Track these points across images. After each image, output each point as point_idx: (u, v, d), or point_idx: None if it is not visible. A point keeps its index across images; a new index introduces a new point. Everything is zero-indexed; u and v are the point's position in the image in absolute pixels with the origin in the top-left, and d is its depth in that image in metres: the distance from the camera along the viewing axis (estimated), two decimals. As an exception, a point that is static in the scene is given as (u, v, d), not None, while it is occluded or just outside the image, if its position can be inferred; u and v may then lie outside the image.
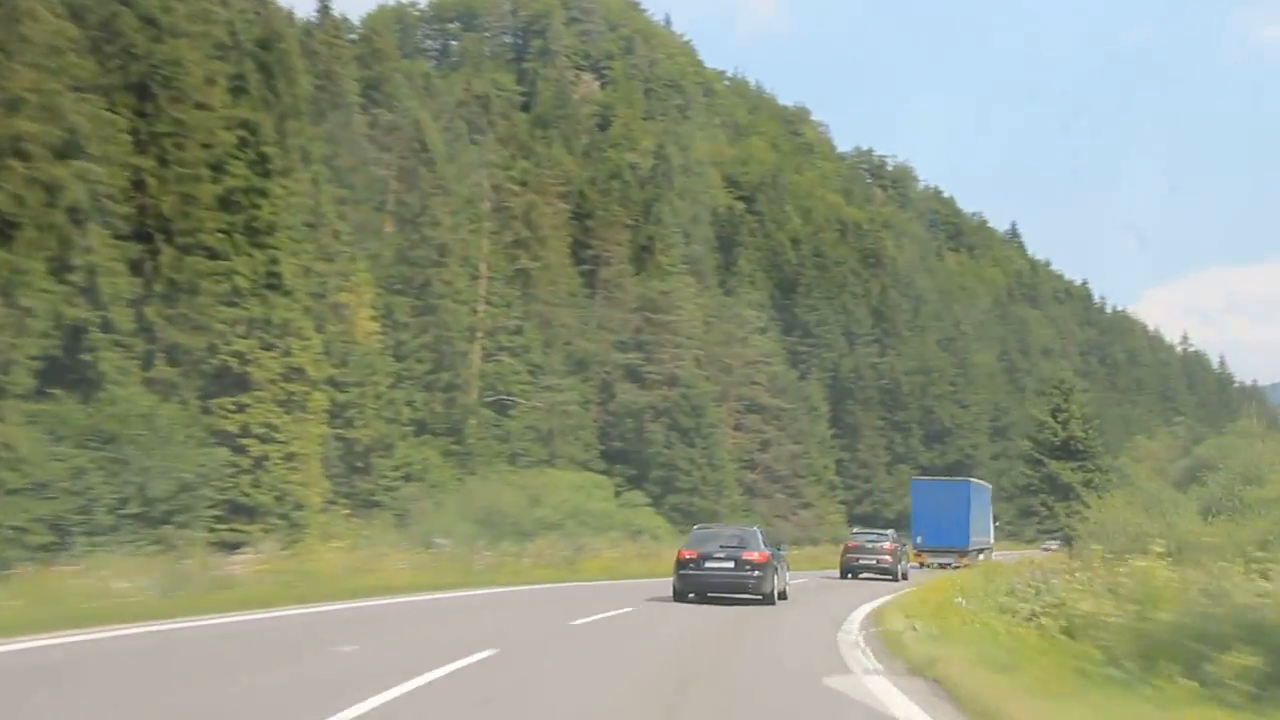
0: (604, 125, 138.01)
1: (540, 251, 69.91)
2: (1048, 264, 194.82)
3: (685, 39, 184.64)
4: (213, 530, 37.17)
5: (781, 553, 29.82)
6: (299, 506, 42.31)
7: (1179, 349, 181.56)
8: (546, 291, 70.53)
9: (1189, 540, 22.50)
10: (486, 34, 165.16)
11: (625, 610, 22.95)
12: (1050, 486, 41.65)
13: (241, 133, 43.48)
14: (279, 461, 41.76)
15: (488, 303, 63.48)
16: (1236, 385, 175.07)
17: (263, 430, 41.26)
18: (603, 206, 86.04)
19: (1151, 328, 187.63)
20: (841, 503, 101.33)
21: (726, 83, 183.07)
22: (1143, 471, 74.77)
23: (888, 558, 43.93)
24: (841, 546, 48.28)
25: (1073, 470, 41.53)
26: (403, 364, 55.85)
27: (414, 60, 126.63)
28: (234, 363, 41.00)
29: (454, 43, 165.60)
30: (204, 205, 41.35)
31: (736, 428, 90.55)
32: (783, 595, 27.40)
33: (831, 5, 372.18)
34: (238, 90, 45.50)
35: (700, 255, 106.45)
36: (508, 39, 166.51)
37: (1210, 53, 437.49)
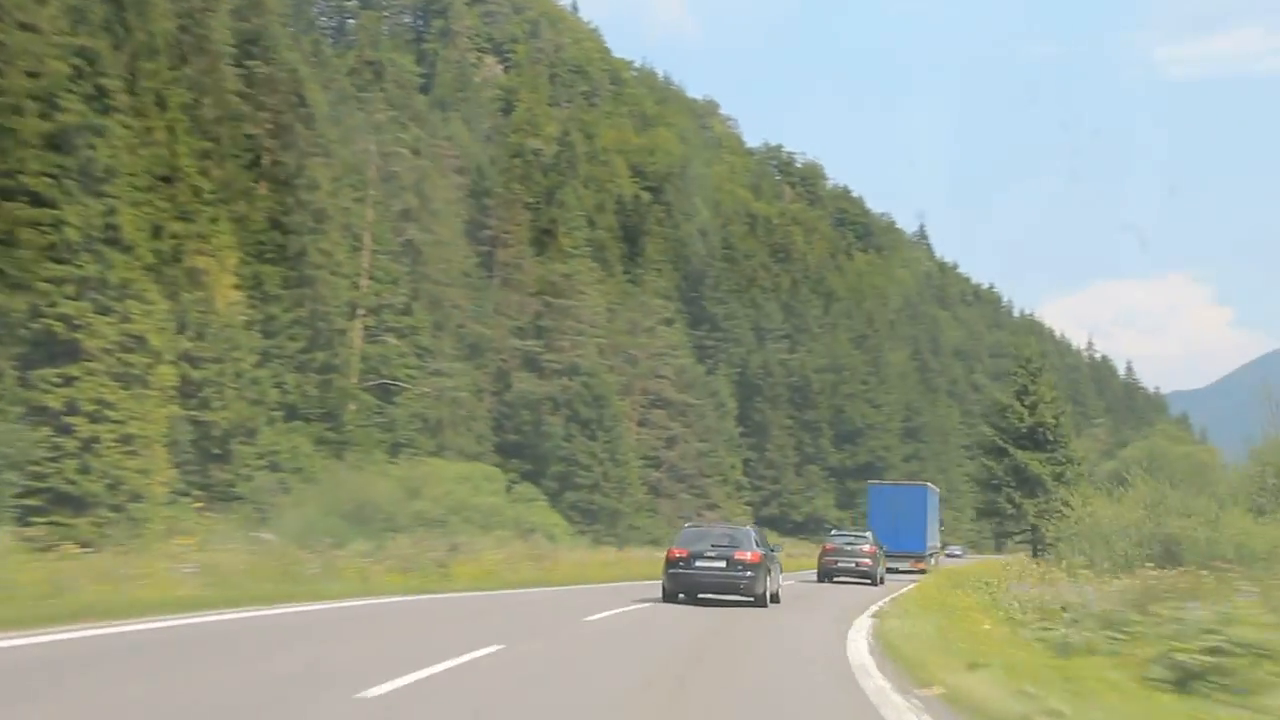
0: (507, 110, 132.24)
1: (432, 225, 64.20)
2: (955, 266, 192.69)
3: (592, 26, 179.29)
4: (29, 523, 31.09)
5: (775, 553, 28.34)
6: (137, 497, 36.39)
7: (1085, 355, 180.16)
8: (438, 270, 64.88)
9: (1248, 548, 17.79)
10: (385, 13, 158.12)
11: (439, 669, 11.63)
12: (1016, 480, 36.10)
13: (78, 62, 37.49)
14: (113, 444, 35.85)
15: (371, 277, 57.69)
16: (1143, 392, 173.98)
17: (93, 408, 35.36)
18: (503, 184, 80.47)
19: (1058, 333, 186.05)
20: (748, 504, 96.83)
21: (634, 72, 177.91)
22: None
23: (867, 561, 41.81)
24: (819, 549, 46.12)
25: (1041, 462, 36.09)
26: (272, 340, 49.84)
27: (308, 36, 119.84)
28: (60, 328, 35.08)
29: (351, 21, 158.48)
30: (27, 143, 35.37)
31: (641, 423, 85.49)
32: (775, 598, 26.28)
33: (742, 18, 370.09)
34: (78, 17, 39.45)
35: (605, 242, 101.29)
36: (407, 19, 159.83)
37: (1111, 69, 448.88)
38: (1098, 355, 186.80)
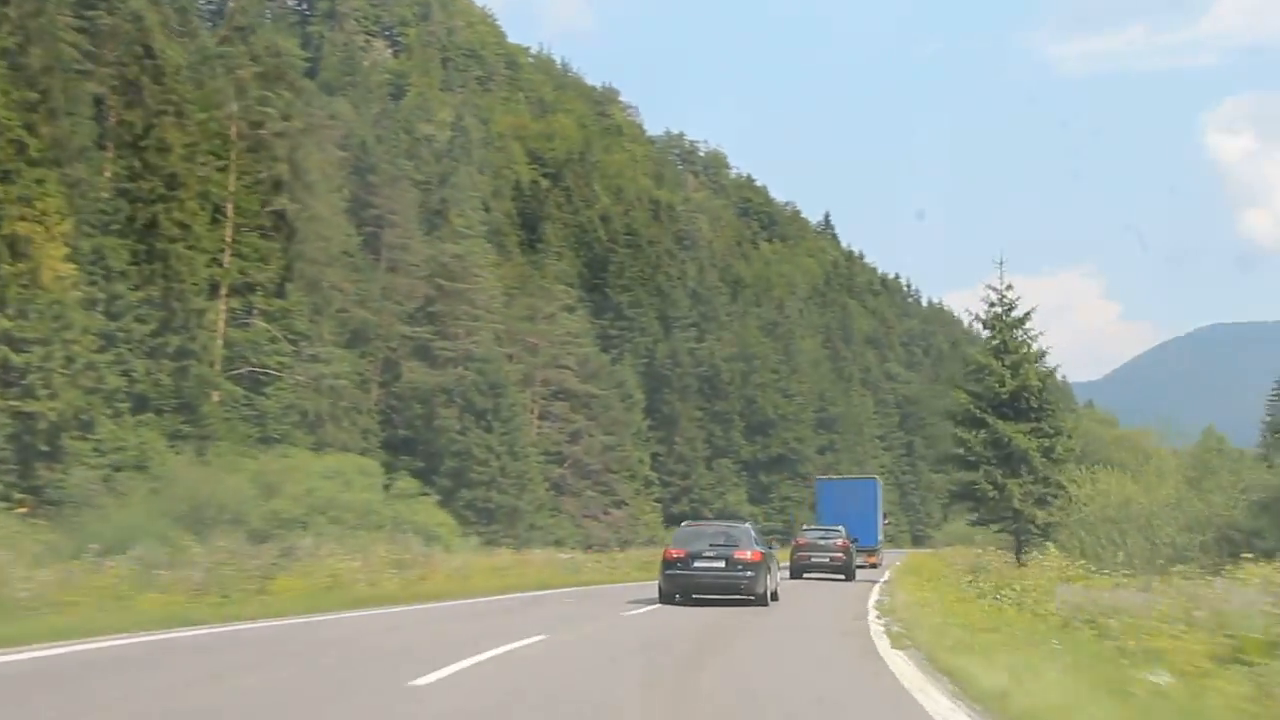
0: (397, 95, 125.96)
1: (308, 200, 58.00)
2: (861, 256, 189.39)
3: (486, 10, 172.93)
4: None
5: (772, 551, 27.77)
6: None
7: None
8: (315, 248, 58.71)
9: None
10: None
11: None
12: (998, 457, 30.61)
13: None
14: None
15: (236, 254, 51.52)
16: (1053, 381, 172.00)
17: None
18: (388, 160, 74.42)
19: (965, 323, 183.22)
20: (657, 500, 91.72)
21: (531, 59, 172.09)
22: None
23: (841, 555, 40.90)
24: (791, 544, 45.45)
25: (1026, 434, 30.63)
26: (117, 323, 43.57)
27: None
28: None
29: (231, 3, 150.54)
30: None
31: (543, 417, 79.96)
32: (775, 596, 25.79)
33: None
34: None
35: (502, 227, 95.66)
36: (291, 1, 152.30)
37: (997, 67, 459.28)
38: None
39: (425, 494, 51.64)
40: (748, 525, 27.62)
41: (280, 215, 54.43)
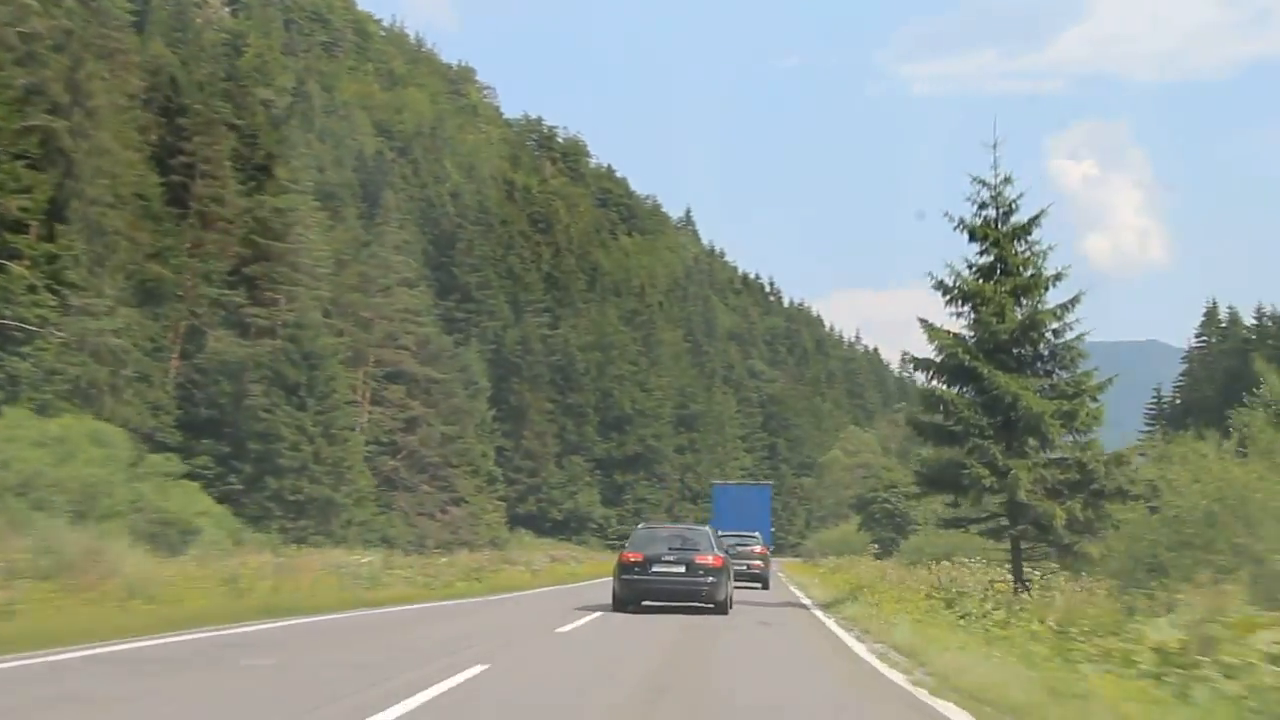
0: (234, 56, 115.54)
1: (90, 128, 48.54)
2: (722, 254, 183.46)
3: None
4: None
5: (729, 555, 25.69)
6: None
7: (859, 348, 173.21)
8: (100, 188, 49.22)
9: None
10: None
11: None
12: (995, 425, 20.75)
13: None
14: None
15: (-14, 179, 42.03)
16: (915, 386, 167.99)
17: None
18: (202, 101, 64.82)
19: (827, 325, 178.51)
20: (501, 499, 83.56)
21: (383, 32, 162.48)
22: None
23: (759, 563, 39.94)
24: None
25: (1036, 394, 20.53)
26: None
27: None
28: None
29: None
30: None
31: (375, 401, 71.26)
32: (730, 603, 23.93)
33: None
34: None
35: (339, 193, 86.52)
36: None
37: (856, 83, 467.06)
38: (870, 348, 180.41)
39: (186, 476, 42.36)
40: (707, 529, 25.85)
41: (47, 140, 44.99)
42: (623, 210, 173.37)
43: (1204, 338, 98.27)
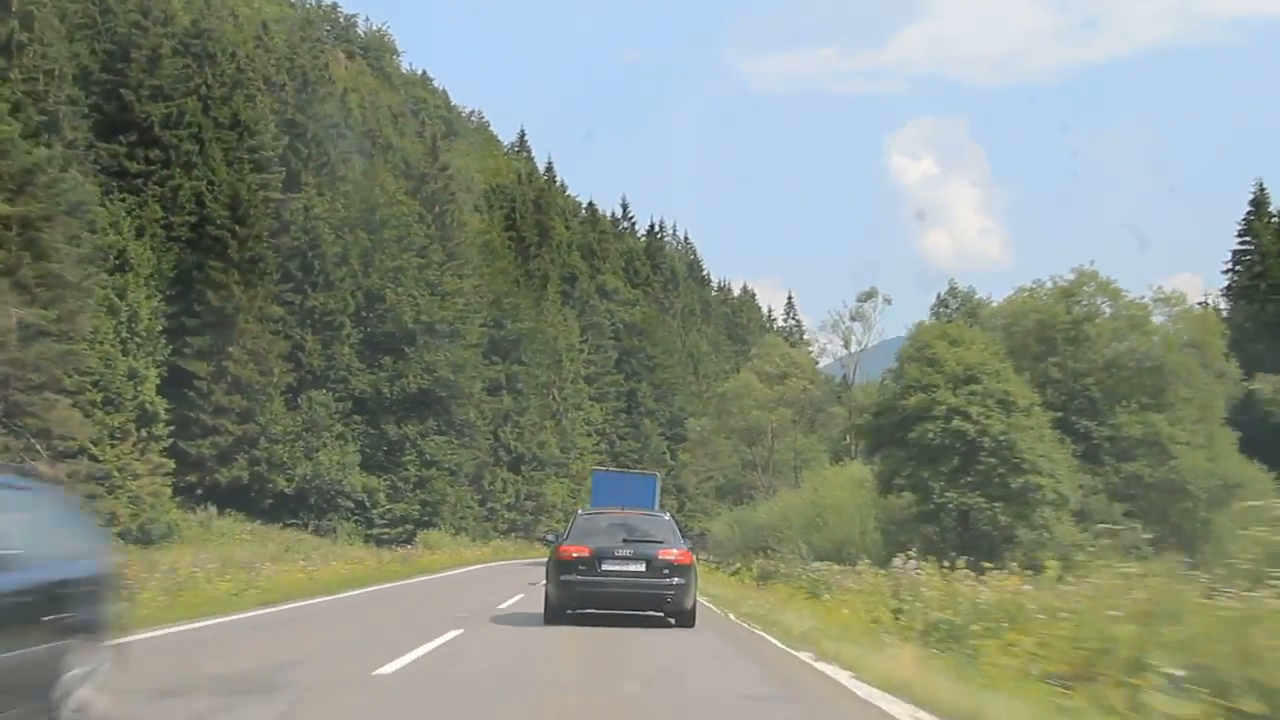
0: None
1: None
2: (564, 188, 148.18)
3: None
4: None
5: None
6: None
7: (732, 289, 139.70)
8: None
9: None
10: None
11: None
12: None
13: None
14: None
15: None
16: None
17: None
18: None
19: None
20: (167, 455, 48.23)
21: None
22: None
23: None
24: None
25: None
26: None
27: None
28: None
29: None
30: None
31: None
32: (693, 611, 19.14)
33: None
34: None
35: None
36: None
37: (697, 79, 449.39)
38: (748, 289, 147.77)
39: None
40: (667, 515, 21.14)
41: None
42: (440, 124, 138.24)
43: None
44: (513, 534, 69.24)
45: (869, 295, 68.42)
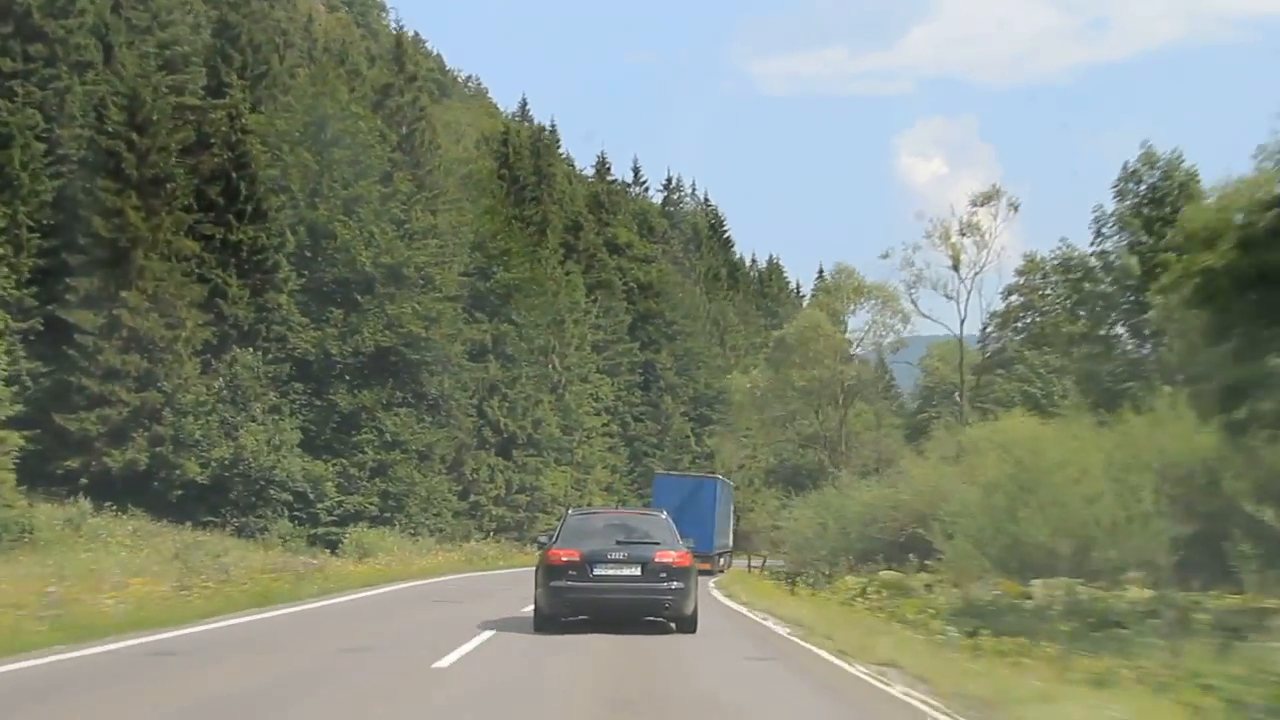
0: None
1: None
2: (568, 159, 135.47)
3: None
4: None
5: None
6: None
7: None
8: None
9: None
10: None
11: None
12: None
13: None
14: None
15: None
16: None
17: None
18: None
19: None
20: (24, 436, 35.16)
21: None
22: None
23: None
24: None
25: None
26: None
27: None
28: None
29: None
30: None
31: None
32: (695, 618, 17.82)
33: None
34: None
35: None
36: None
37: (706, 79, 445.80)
38: (774, 257, 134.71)
39: None
40: (664, 514, 18.87)
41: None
42: (432, 86, 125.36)
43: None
44: (502, 535, 55.64)
45: (988, 197, 53.72)
